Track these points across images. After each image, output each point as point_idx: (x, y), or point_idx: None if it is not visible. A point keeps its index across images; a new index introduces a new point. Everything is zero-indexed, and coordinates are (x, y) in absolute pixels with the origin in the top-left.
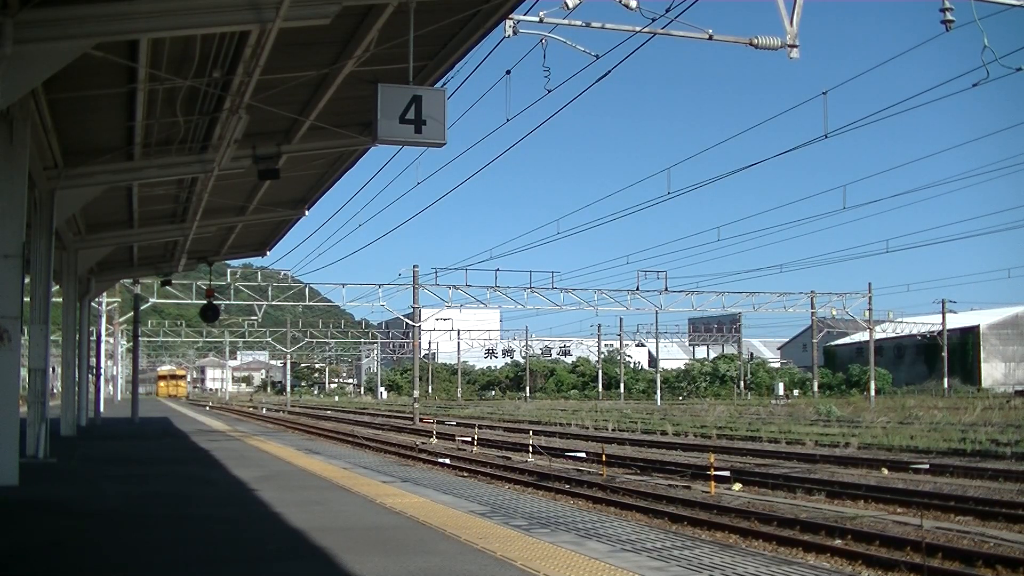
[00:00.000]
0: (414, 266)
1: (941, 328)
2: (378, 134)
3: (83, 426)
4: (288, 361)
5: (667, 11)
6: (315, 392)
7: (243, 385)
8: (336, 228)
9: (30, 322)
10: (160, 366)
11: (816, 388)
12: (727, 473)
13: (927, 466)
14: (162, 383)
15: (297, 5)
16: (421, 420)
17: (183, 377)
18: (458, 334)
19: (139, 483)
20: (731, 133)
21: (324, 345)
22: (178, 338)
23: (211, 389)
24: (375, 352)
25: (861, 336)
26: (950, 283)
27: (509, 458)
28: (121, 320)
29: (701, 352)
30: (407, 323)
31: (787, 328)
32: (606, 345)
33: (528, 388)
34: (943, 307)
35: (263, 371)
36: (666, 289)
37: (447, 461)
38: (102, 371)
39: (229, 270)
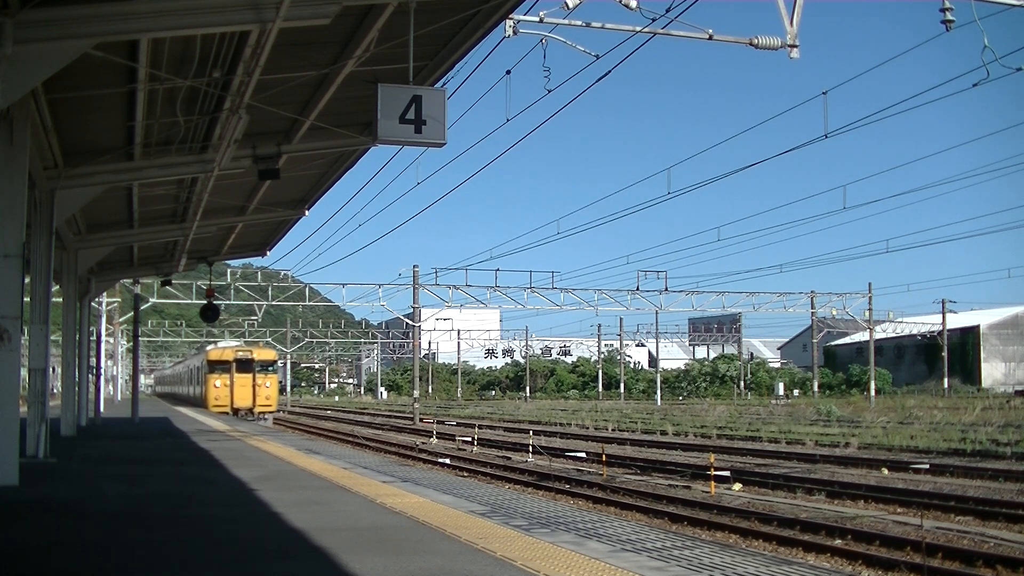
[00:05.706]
0: (414, 266)
1: (941, 328)
2: (378, 134)
3: (83, 426)
4: (288, 361)
5: (667, 11)
6: (315, 392)
7: None
8: (336, 228)
9: (30, 322)
10: (216, 342)
11: (816, 388)
12: (727, 473)
13: (927, 466)
14: (218, 379)
15: (297, 5)
16: (421, 420)
17: (272, 367)
18: (458, 334)
19: (139, 483)
20: (731, 133)
21: (324, 345)
22: (178, 338)
23: None
24: (375, 352)
25: (861, 336)
26: (950, 283)
27: (509, 458)
28: (121, 320)
29: (701, 352)
30: (407, 323)
31: (787, 328)
32: (606, 345)
33: (528, 388)
34: (943, 307)
35: None
36: (666, 289)
37: (447, 461)
38: (102, 371)
39: (229, 270)
